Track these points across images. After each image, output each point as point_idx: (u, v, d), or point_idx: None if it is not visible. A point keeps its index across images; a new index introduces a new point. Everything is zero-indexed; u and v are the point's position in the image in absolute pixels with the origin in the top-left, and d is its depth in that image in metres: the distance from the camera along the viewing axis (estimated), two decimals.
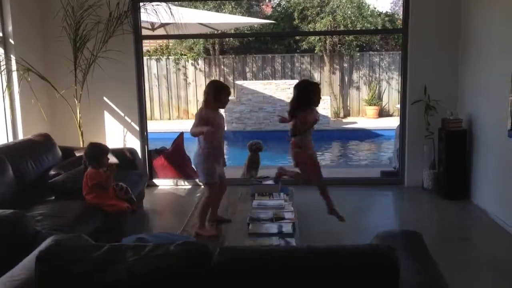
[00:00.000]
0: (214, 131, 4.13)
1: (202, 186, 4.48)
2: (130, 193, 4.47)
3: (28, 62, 5.43)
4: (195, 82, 14.34)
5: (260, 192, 5.22)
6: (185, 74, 14.40)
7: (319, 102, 4.38)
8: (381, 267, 1.92)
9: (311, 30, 13.89)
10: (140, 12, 6.26)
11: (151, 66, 14.29)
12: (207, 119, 4.13)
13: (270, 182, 5.39)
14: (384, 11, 14.72)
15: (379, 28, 13.72)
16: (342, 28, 13.58)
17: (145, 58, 14.08)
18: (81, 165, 4.46)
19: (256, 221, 4.32)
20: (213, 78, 14.22)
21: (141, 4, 6.18)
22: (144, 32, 8.50)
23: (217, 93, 4.20)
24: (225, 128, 4.58)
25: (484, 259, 4.19)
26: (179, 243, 2.15)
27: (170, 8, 6.10)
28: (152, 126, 11.70)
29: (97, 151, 4.30)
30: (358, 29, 13.65)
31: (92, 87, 5.98)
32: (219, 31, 11.71)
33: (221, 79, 14.26)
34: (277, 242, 3.77)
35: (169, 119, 14.47)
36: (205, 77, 14.29)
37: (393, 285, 1.87)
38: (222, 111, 4.40)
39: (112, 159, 5.15)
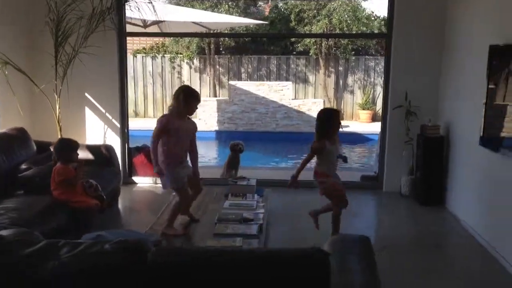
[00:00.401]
0: (174, 140, 4.19)
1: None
2: (99, 191, 4.45)
3: (8, 56, 5.41)
4: (190, 81, 14.30)
5: (235, 192, 5.21)
6: (179, 73, 14.38)
7: (338, 129, 4.36)
8: (312, 269, 1.97)
9: (307, 32, 13.86)
10: (124, 8, 6.26)
11: (146, 64, 14.26)
12: (167, 124, 4.17)
13: (245, 182, 5.38)
14: (382, 16, 14.63)
15: (376, 32, 13.69)
16: (338, 31, 13.54)
17: (140, 55, 14.18)
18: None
19: (224, 221, 4.32)
20: (208, 77, 14.21)
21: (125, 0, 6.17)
22: (135, 29, 8.56)
23: (187, 99, 4.21)
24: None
25: (452, 266, 4.21)
26: (115, 241, 2.15)
27: (153, 6, 6.10)
28: (145, 124, 11.74)
29: (66, 146, 4.30)
30: (354, 32, 13.61)
31: (73, 82, 5.93)
32: (214, 31, 11.70)
33: (216, 79, 14.26)
34: (240, 243, 3.77)
35: (163, 117, 14.42)
36: (200, 77, 14.27)
37: (324, 286, 1.89)
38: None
39: (87, 155, 5.16)
